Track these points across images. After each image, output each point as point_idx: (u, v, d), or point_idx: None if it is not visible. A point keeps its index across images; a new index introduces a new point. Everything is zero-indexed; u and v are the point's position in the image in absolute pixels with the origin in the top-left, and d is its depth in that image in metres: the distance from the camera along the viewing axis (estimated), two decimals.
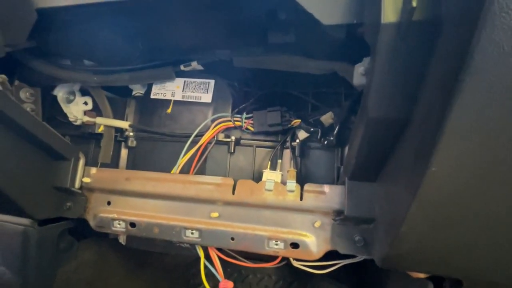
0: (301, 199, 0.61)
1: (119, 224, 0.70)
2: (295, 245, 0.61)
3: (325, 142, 0.64)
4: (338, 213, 0.59)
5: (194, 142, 0.73)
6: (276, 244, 0.61)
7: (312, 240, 0.60)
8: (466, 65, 0.25)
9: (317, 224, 0.60)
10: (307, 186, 0.61)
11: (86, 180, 0.73)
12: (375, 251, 0.53)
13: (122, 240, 0.79)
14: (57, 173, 0.71)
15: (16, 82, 0.72)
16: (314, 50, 0.62)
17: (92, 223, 0.73)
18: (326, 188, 0.60)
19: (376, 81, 0.35)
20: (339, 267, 0.63)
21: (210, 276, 0.69)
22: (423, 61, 0.31)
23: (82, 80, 0.75)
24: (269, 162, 0.70)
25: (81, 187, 0.73)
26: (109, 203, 0.73)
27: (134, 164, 0.82)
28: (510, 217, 0.35)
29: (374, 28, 0.32)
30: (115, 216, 0.70)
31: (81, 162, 0.74)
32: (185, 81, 0.80)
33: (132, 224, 0.69)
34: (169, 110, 0.79)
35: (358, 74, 0.39)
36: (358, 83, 0.39)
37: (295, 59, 0.65)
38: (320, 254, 0.60)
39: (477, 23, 0.23)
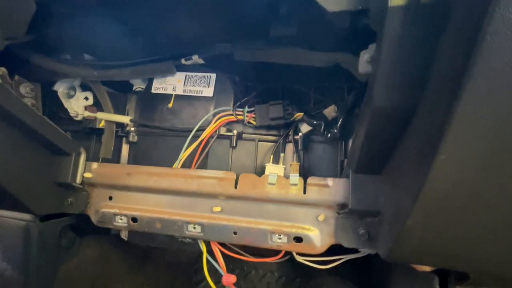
0: (304, 192, 0.60)
1: (121, 219, 0.70)
2: (298, 239, 0.60)
3: (329, 135, 0.63)
4: (342, 206, 0.58)
5: (196, 137, 0.72)
6: (279, 238, 0.61)
7: (315, 233, 0.60)
8: (478, 47, 0.24)
9: (320, 218, 0.60)
10: (310, 180, 0.61)
11: (88, 175, 0.72)
12: (380, 244, 0.52)
13: (124, 235, 0.79)
14: (58, 168, 0.70)
15: (16, 77, 0.72)
16: (316, 42, 0.61)
17: (93, 218, 0.72)
18: (330, 181, 0.59)
19: (382, 68, 0.34)
20: (342, 263, 0.62)
21: (213, 272, 0.68)
22: (431, 45, 0.30)
23: (83, 75, 0.75)
24: (272, 156, 0.70)
25: (82, 182, 0.73)
26: (110, 198, 0.72)
27: (135, 159, 0.82)
28: None
29: (381, 13, 0.31)
30: (117, 211, 0.70)
31: (82, 157, 0.73)
32: (186, 75, 0.80)
33: (134, 219, 0.69)
34: (170, 105, 0.79)
35: (364, 62, 0.38)
36: (363, 71, 0.38)
37: (297, 52, 0.64)
38: (324, 248, 0.59)
39: (490, 2, 0.22)
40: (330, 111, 0.67)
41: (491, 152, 0.30)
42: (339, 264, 0.62)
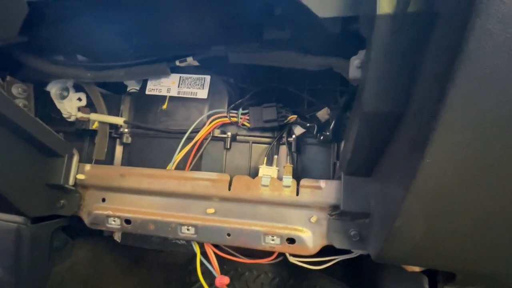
0: (297, 194, 0.61)
1: (114, 221, 0.69)
2: (291, 241, 0.61)
3: (321, 138, 0.64)
4: (334, 208, 0.59)
5: (190, 138, 0.72)
6: (273, 240, 0.61)
7: (308, 235, 0.60)
8: (460, 55, 0.25)
9: (313, 219, 0.61)
10: (303, 181, 0.61)
11: (80, 176, 0.72)
12: (371, 245, 0.53)
13: (117, 237, 0.79)
14: (51, 170, 0.70)
15: (8, 78, 0.71)
16: (309, 46, 0.62)
17: (86, 220, 0.72)
18: (322, 183, 0.60)
19: (371, 73, 0.35)
20: (335, 263, 0.63)
21: (207, 274, 0.68)
22: (418, 52, 0.31)
23: (76, 76, 0.74)
24: (265, 158, 0.70)
25: (75, 184, 0.72)
26: (103, 200, 0.72)
27: (129, 160, 0.81)
28: (503, 209, 0.35)
29: (370, 20, 0.32)
30: (110, 213, 0.70)
31: (75, 159, 0.73)
32: (180, 77, 0.80)
33: (127, 221, 0.68)
34: (164, 106, 0.78)
35: (354, 67, 0.39)
36: (353, 76, 0.39)
37: (290, 55, 0.65)
38: (316, 249, 0.60)
39: (471, 12, 0.23)
40: (323, 114, 0.68)
41: (475, 157, 0.31)
42: (332, 265, 0.63)
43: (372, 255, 0.52)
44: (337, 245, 0.58)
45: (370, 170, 0.51)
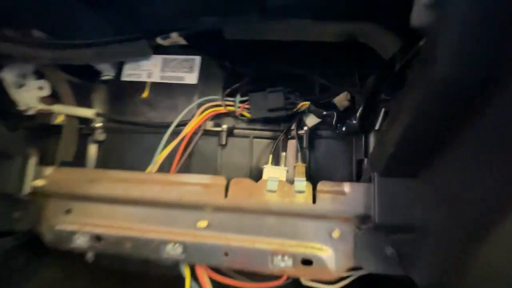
0: (313, 201, 0.49)
1: (81, 238, 0.55)
2: (307, 262, 0.48)
3: (344, 129, 0.51)
4: (363, 219, 0.46)
5: (176, 133, 0.60)
6: (283, 261, 0.48)
7: (329, 254, 0.47)
8: None
9: (335, 234, 0.48)
10: (321, 185, 0.49)
11: (39, 183, 0.58)
12: (417, 270, 0.40)
13: (89, 257, 0.64)
14: None
15: None
16: (326, 9, 0.49)
17: (46, 238, 0.58)
18: (346, 187, 0.47)
19: (454, 13, 0.22)
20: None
21: None
22: None
23: (32, 55, 0.60)
24: (270, 155, 0.57)
25: (33, 193, 0.58)
26: (69, 211, 0.58)
27: (104, 162, 0.68)
28: None
29: None
30: (76, 228, 0.56)
31: (32, 161, 0.59)
32: (164, 58, 0.67)
33: (98, 238, 0.55)
34: (145, 95, 0.66)
35: (420, 7, 0.25)
36: (420, 22, 0.26)
37: (302, 24, 0.52)
38: (340, 272, 0.47)
39: None
40: (341, 100, 0.55)
41: None
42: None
43: (420, 283, 0.39)
44: (369, 267, 0.45)
45: (418, 168, 0.38)
